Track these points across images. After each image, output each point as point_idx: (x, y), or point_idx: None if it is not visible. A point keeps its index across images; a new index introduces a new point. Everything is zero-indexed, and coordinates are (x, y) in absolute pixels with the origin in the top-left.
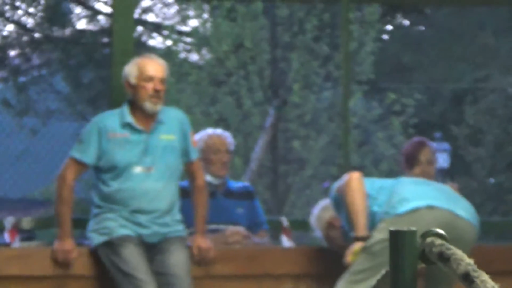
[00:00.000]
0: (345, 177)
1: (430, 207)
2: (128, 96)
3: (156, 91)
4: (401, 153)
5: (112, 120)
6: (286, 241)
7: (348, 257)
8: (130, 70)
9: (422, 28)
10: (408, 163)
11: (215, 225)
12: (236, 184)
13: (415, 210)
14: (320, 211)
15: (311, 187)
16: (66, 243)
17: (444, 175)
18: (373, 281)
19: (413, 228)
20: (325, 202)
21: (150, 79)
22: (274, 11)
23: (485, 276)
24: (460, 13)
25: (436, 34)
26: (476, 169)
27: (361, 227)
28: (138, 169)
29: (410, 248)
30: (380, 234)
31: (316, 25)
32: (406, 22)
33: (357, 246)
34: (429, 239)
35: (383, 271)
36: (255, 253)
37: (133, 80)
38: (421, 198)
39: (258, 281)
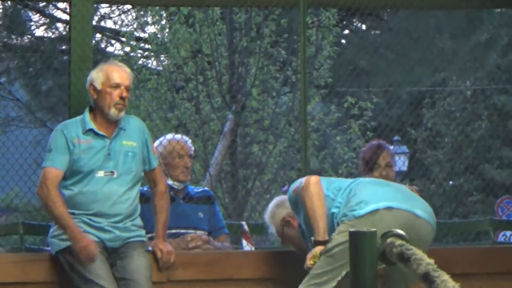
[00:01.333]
0: (303, 180)
1: (389, 208)
2: (89, 102)
3: (122, 99)
4: (360, 157)
5: (75, 127)
6: (246, 245)
7: (309, 261)
8: (97, 75)
9: (379, 32)
10: (367, 167)
11: (175, 230)
12: (195, 189)
13: (374, 212)
14: (275, 207)
15: (270, 192)
16: (82, 240)
17: (403, 178)
18: (334, 283)
19: (373, 229)
20: (280, 198)
21: (117, 86)
22: (232, 17)
23: (445, 276)
24: (417, 17)
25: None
26: (435, 172)
27: (321, 232)
28: (101, 173)
29: (370, 249)
30: (340, 237)
31: (274, 30)
32: (363, 27)
33: (317, 250)
34: (389, 240)
35: (343, 273)
36: (215, 258)
37: (99, 86)
38: (379, 199)
39: (219, 285)
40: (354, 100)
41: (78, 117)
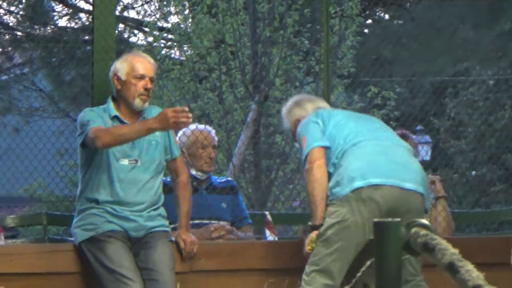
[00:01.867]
0: (308, 157)
1: (375, 186)
2: (112, 91)
3: (147, 90)
4: None
5: (102, 112)
6: (269, 236)
7: (307, 247)
8: (121, 66)
9: (402, 22)
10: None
11: (198, 220)
12: (219, 179)
13: (359, 190)
14: (294, 104)
15: (293, 181)
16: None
17: (426, 168)
18: (335, 267)
19: (397, 219)
20: (300, 98)
21: (142, 77)
22: (255, 7)
23: (470, 266)
24: (440, 7)
25: (416, 27)
26: (458, 161)
27: (318, 217)
28: (125, 161)
29: (395, 239)
30: (331, 219)
31: (297, 20)
32: (386, 16)
33: (313, 234)
34: (413, 230)
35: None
36: (238, 248)
37: (123, 76)
38: (365, 175)
39: (242, 275)
40: (377, 90)
41: (101, 106)
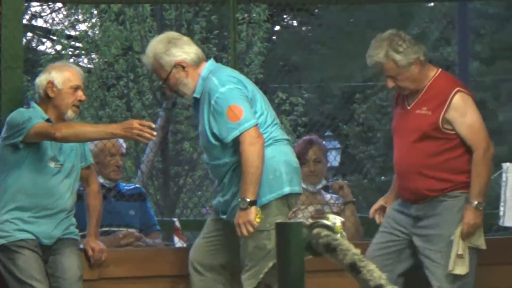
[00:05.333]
0: (250, 132)
1: (297, 195)
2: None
3: (80, 101)
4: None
5: (35, 113)
6: (178, 242)
7: (256, 220)
8: (58, 75)
9: (311, 27)
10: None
11: (107, 228)
12: (127, 187)
13: (289, 196)
14: (169, 43)
15: (202, 188)
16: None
17: (335, 173)
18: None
19: (300, 220)
20: (171, 35)
21: (77, 88)
22: (162, 13)
23: (371, 266)
24: (349, 12)
25: (325, 33)
26: (367, 167)
27: (256, 193)
28: (52, 165)
29: (297, 240)
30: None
31: (204, 27)
32: (294, 22)
33: (256, 209)
34: (315, 231)
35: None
36: (147, 255)
37: (59, 85)
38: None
39: (151, 282)
40: (285, 96)
41: (29, 109)
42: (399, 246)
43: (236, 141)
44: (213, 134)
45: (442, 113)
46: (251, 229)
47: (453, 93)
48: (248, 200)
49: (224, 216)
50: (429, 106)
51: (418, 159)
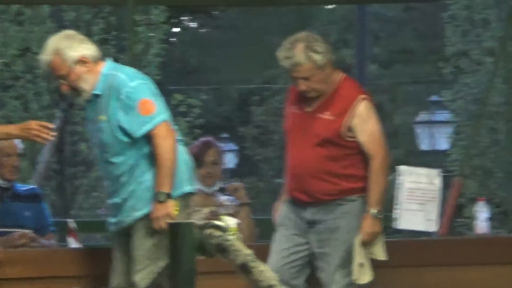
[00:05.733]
0: (163, 126)
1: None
2: None
3: None
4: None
5: None
6: (73, 243)
7: (175, 212)
8: None
9: (209, 30)
10: (194, 163)
11: (2, 229)
12: (23, 187)
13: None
14: (73, 40)
15: (98, 189)
16: None
17: (231, 175)
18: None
19: (191, 221)
20: (72, 33)
21: None
22: (61, 15)
23: (263, 267)
24: (247, 15)
25: (224, 35)
26: (264, 169)
27: (171, 186)
28: None
29: (188, 240)
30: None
31: (103, 28)
32: (193, 24)
33: (173, 202)
34: (207, 231)
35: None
36: (42, 255)
37: None
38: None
39: (46, 283)
40: (183, 98)
41: None
42: (302, 253)
43: (143, 139)
44: (122, 129)
45: (346, 120)
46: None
47: (357, 100)
48: (166, 193)
49: (115, 219)
50: (332, 111)
51: (317, 163)
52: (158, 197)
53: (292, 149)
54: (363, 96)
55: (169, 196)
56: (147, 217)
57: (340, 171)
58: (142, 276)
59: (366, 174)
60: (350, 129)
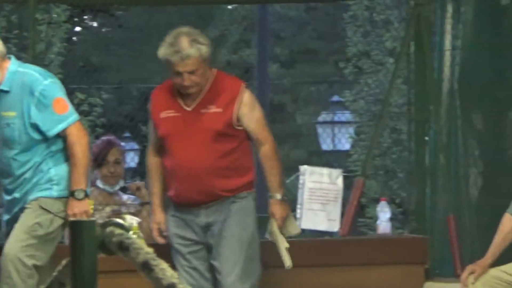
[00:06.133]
0: (76, 125)
1: None
2: None
3: None
4: (90, 153)
5: None
6: None
7: (91, 211)
8: None
9: (111, 29)
10: (96, 163)
11: None
12: None
13: None
14: None
15: None
16: None
17: (132, 175)
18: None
19: (93, 219)
20: None
21: None
22: None
23: (164, 265)
24: (149, 13)
25: (125, 34)
26: None
27: (87, 183)
28: None
29: (90, 238)
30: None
31: (4, 26)
32: (95, 23)
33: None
34: (108, 229)
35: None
36: None
37: None
38: None
39: None
40: (84, 96)
41: None
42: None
43: (53, 137)
44: (34, 126)
45: (235, 109)
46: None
47: (241, 89)
48: (84, 190)
49: (8, 217)
50: (218, 104)
51: (213, 159)
52: (76, 195)
53: (179, 152)
54: (244, 84)
55: (86, 193)
56: (39, 199)
57: (234, 164)
58: (16, 247)
59: (252, 165)
60: (238, 118)
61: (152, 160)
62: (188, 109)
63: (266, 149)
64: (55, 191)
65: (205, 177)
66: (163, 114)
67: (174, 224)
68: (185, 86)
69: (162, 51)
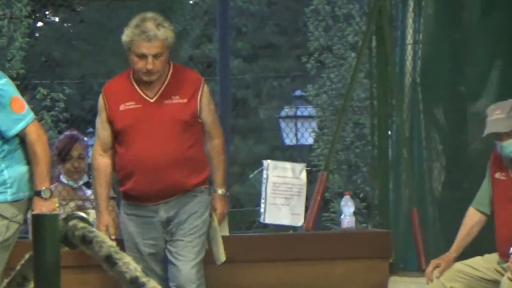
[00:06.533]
0: (36, 125)
1: None
2: None
3: None
4: (54, 148)
5: None
6: None
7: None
8: None
9: (72, 24)
10: (60, 158)
11: None
12: None
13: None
14: None
15: None
16: None
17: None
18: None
19: (55, 213)
20: None
21: None
22: None
23: (127, 258)
24: (110, 8)
25: (86, 29)
26: None
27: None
28: None
29: (52, 232)
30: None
31: None
32: (57, 18)
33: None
34: (71, 223)
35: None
36: None
37: None
38: None
39: None
40: (47, 91)
41: None
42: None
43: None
44: None
45: (198, 101)
46: None
47: (202, 81)
48: (49, 189)
49: None
50: (181, 95)
51: (178, 150)
52: (43, 194)
53: (142, 144)
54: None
55: (51, 192)
56: None
57: (196, 156)
58: None
59: (206, 159)
60: (199, 111)
61: (100, 160)
62: (151, 100)
63: (217, 143)
64: (9, 195)
65: (169, 169)
66: (122, 107)
67: (133, 223)
68: (148, 70)
69: (128, 33)
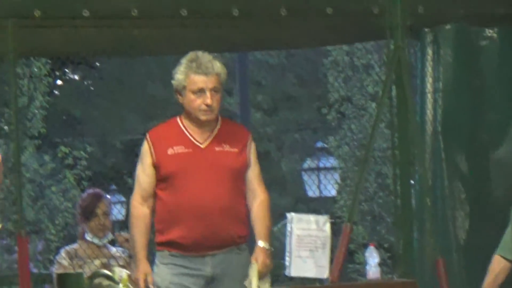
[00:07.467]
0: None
1: None
2: None
3: None
4: (78, 206)
5: None
6: None
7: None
8: None
9: (92, 81)
10: (85, 216)
11: None
12: None
13: None
14: None
15: None
16: None
17: (120, 227)
18: None
19: (80, 271)
20: None
21: None
22: None
23: None
24: (129, 64)
25: (106, 86)
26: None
27: None
28: None
29: None
30: None
31: None
32: (76, 76)
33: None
34: (96, 281)
35: None
36: None
37: None
38: None
39: None
40: (68, 150)
41: None
42: None
43: None
44: None
45: (247, 153)
46: None
47: (250, 136)
48: None
49: None
50: (231, 144)
51: (230, 199)
52: None
53: (192, 190)
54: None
55: None
56: None
57: (242, 207)
58: None
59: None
60: (248, 163)
61: (140, 210)
62: (201, 146)
63: (264, 199)
64: None
65: (220, 216)
66: (171, 151)
67: (173, 271)
68: (208, 105)
69: (182, 69)
